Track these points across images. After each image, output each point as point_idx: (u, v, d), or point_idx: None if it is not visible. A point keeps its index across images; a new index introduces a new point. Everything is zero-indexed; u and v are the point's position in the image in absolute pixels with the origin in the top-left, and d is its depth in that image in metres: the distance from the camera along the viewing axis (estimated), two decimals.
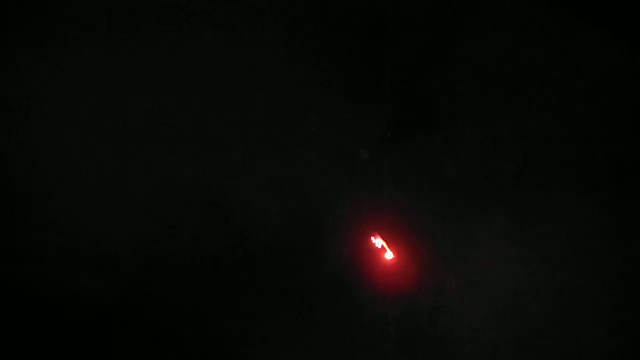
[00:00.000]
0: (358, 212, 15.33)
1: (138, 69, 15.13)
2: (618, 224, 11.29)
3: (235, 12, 15.05)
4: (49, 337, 13.44)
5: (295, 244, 15.41)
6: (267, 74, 14.68)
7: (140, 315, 14.59)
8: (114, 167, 14.47)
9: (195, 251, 14.79)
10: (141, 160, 15.19)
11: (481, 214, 14.61)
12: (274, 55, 14.78)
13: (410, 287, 14.55)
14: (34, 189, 13.66)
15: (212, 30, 15.35)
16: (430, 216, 14.41)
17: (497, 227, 14.19)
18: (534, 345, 13.99)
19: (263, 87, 15.43)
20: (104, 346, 13.57)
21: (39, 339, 13.27)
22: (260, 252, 15.54)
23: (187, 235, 14.88)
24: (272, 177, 15.63)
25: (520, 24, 14.55)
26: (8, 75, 14.45)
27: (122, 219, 14.40)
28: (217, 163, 16.15)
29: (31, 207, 13.56)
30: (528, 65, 14.94)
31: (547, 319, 13.89)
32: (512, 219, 14.34)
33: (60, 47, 14.91)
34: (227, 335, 15.08)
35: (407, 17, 14.34)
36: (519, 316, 14.09)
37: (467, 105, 15.13)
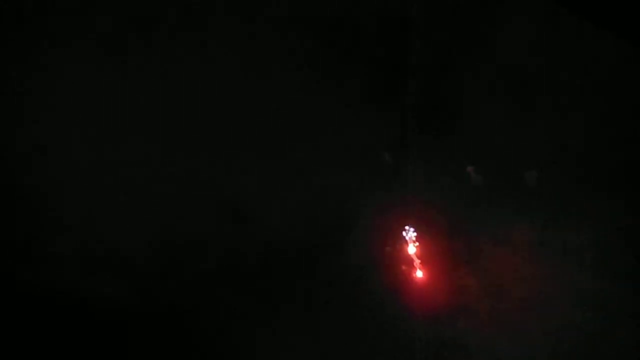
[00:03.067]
0: (378, 216, 15.44)
1: (153, 73, 15.07)
2: None
3: (254, 17, 14.84)
4: (65, 336, 13.25)
5: (312, 247, 15.41)
6: (288, 79, 14.64)
7: (156, 316, 14.50)
8: (130, 172, 14.44)
9: (211, 253, 14.81)
10: (157, 166, 15.16)
11: (504, 219, 14.91)
12: (296, 60, 14.75)
13: (432, 290, 14.74)
14: (52, 193, 13.58)
15: (231, 36, 15.26)
16: (453, 222, 14.70)
17: (520, 233, 14.47)
18: (554, 349, 14.14)
19: (283, 91, 15.43)
20: (120, 345, 13.48)
21: (55, 338, 13.07)
22: (276, 255, 15.56)
23: (203, 237, 14.91)
24: (289, 181, 15.63)
25: (541, 31, 14.56)
26: (25, 80, 14.12)
27: (138, 222, 14.37)
28: (233, 167, 16.05)
29: (49, 211, 13.47)
30: (548, 73, 15.02)
31: (568, 323, 14.05)
32: (535, 224, 14.58)
33: (78, 52, 14.55)
34: (242, 336, 14.99)
35: (430, 23, 14.42)
36: (539, 321, 14.28)
37: (488, 111, 15.26)
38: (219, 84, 14.42)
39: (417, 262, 16.29)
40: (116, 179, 13.89)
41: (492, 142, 15.70)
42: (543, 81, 15.44)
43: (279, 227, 14.53)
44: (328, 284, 15.02)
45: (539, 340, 14.84)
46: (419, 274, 16.18)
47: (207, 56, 14.28)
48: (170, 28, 14.08)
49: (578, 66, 15.19)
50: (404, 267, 16.24)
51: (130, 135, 14.15)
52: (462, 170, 15.78)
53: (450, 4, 15.54)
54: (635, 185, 15.22)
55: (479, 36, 15.46)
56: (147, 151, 14.28)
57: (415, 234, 16.20)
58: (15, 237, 13.73)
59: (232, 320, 14.27)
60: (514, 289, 15.14)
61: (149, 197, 14.09)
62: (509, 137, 15.55)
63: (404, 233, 16.27)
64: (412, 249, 16.29)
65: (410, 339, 15.20)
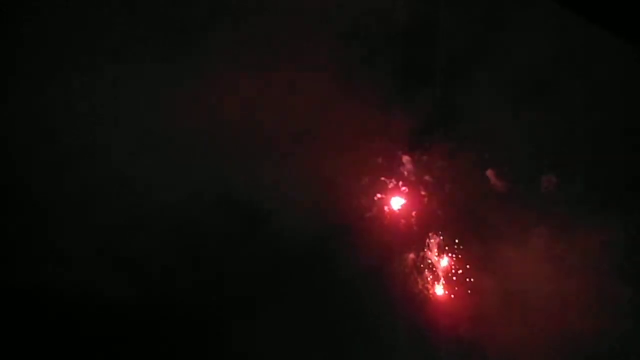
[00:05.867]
0: (395, 221, 15.28)
1: (170, 77, 15.13)
2: None
3: (271, 18, 14.85)
4: (73, 338, 13.38)
5: (326, 252, 15.34)
6: (306, 79, 14.62)
7: (166, 318, 14.56)
8: (143, 174, 14.56)
9: (222, 254, 14.83)
10: (170, 167, 15.26)
11: (525, 224, 14.69)
12: (315, 61, 14.71)
13: (451, 297, 14.59)
14: (65, 195, 13.74)
15: (246, 36, 15.21)
16: (473, 227, 14.43)
17: (540, 238, 14.23)
18: (575, 355, 13.88)
19: (300, 91, 15.40)
20: (129, 347, 13.60)
21: (63, 340, 13.22)
22: (289, 258, 15.49)
23: (214, 238, 14.92)
24: (304, 184, 15.59)
25: (558, 37, 14.38)
26: (51, 81, 14.21)
27: (150, 224, 14.47)
28: (247, 169, 16.03)
29: (61, 212, 13.61)
30: (568, 76, 14.78)
31: (589, 328, 13.85)
32: (554, 229, 14.33)
33: (99, 57, 14.67)
34: (249, 338, 14.92)
35: (452, 27, 14.33)
36: (560, 328, 14.02)
37: (507, 115, 15.12)
38: (231, 85, 14.56)
39: (439, 268, 16.19)
40: (126, 180, 14.06)
41: (512, 146, 15.59)
42: (563, 85, 15.30)
43: (293, 230, 14.57)
44: (340, 290, 15.01)
45: (559, 347, 14.60)
46: (440, 280, 16.07)
47: (219, 57, 14.47)
48: (186, 28, 14.32)
49: (598, 70, 15.04)
50: (425, 274, 16.15)
51: (140, 135, 14.30)
52: (482, 174, 15.69)
53: (472, 8, 15.51)
54: None
55: (499, 39, 15.41)
56: (157, 151, 14.45)
57: (436, 240, 16.11)
58: (24, 238, 13.94)
59: (241, 322, 14.33)
60: (533, 295, 14.96)
61: (160, 198, 14.24)
62: (528, 141, 15.42)
63: (426, 239, 16.20)
64: (433, 256, 16.20)
65: (426, 345, 15.11)
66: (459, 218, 15.60)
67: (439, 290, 15.84)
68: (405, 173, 15.95)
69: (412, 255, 16.02)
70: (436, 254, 16.00)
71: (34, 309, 13.79)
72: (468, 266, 15.65)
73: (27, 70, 13.95)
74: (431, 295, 15.80)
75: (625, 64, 14.22)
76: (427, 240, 15.99)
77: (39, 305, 13.81)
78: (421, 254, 16.03)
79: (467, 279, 15.61)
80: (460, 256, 15.76)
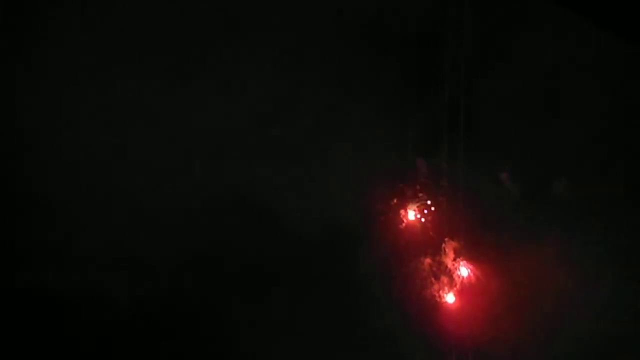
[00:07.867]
0: (410, 226, 15.40)
1: (180, 81, 15.22)
2: None
3: (281, 18, 15.05)
4: (80, 338, 13.46)
5: (338, 254, 15.46)
6: (317, 79, 14.86)
7: (174, 318, 14.59)
8: (151, 176, 14.63)
9: (230, 254, 14.92)
10: (178, 170, 15.40)
11: (537, 229, 14.77)
12: (328, 61, 14.91)
13: (462, 301, 14.62)
14: (74, 197, 13.93)
15: (255, 39, 15.39)
16: (486, 231, 14.60)
17: (552, 243, 14.31)
18: (588, 355, 13.80)
19: (312, 91, 15.61)
20: (136, 347, 13.67)
21: (75, 341, 13.33)
22: (298, 260, 15.59)
23: (222, 238, 15.03)
24: (315, 184, 15.74)
25: (569, 43, 14.41)
26: (57, 85, 14.44)
27: (158, 226, 14.60)
28: (255, 169, 16.21)
29: (70, 214, 13.79)
30: (578, 82, 14.87)
31: (603, 331, 13.86)
32: (568, 233, 14.38)
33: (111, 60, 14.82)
34: (258, 337, 14.93)
35: (465, 29, 14.38)
36: (574, 328, 14.05)
37: (520, 118, 15.18)
38: (241, 85, 14.65)
39: (454, 273, 16.22)
40: (134, 179, 14.16)
41: (526, 150, 15.63)
42: (577, 89, 15.35)
43: (302, 231, 14.62)
44: (354, 293, 15.07)
45: (572, 350, 14.58)
46: (456, 284, 16.11)
47: (230, 60, 14.64)
48: (196, 30, 14.52)
49: (611, 75, 15.08)
50: (442, 279, 16.18)
51: (148, 135, 14.42)
52: (497, 179, 15.74)
53: (486, 13, 15.60)
54: None
55: (513, 44, 15.48)
56: (166, 151, 14.56)
57: (452, 245, 16.17)
58: (32, 239, 14.09)
59: (248, 323, 14.37)
60: (547, 299, 14.96)
61: (168, 198, 14.33)
62: (542, 146, 15.45)
63: (442, 244, 16.26)
64: (449, 261, 16.25)
65: (440, 348, 15.13)
66: (474, 223, 15.64)
67: (455, 294, 15.89)
68: (421, 178, 16.07)
69: (428, 260, 16.08)
70: (452, 258, 16.06)
71: (36, 308, 13.93)
72: (483, 270, 15.68)
73: (50, 72, 14.23)
74: (447, 299, 15.85)
75: (637, 67, 14.28)
76: (443, 245, 16.06)
77: (41, 305, 13.94)
78: (437, 258, 16.08)
79: (482, 283, 15.65)
80: (475, 260, 15.80)
